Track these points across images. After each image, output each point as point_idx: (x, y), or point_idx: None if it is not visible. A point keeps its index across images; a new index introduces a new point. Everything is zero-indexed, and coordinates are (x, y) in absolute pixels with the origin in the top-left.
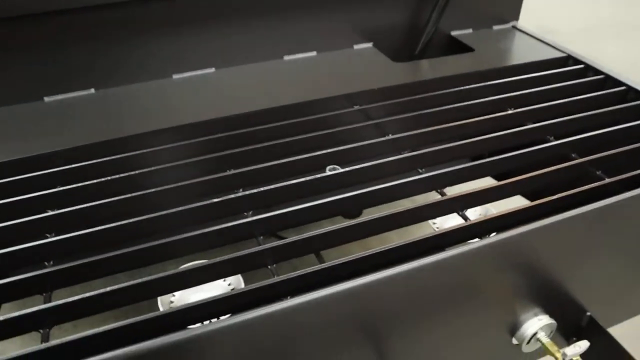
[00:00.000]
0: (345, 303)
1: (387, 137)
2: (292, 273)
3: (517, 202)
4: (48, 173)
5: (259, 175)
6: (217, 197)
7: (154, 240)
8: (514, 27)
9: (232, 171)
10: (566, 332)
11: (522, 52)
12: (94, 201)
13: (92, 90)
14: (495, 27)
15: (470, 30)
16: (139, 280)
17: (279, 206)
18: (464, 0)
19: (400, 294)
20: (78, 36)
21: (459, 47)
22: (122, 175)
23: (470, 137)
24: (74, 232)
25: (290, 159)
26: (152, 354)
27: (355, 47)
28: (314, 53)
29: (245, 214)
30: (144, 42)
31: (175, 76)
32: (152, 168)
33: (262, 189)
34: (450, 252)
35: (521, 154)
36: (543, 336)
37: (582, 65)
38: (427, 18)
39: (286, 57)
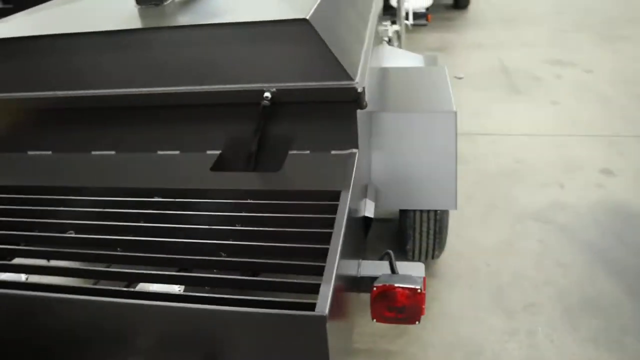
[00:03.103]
0: None
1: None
2: None
3: None
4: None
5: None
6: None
7: None
8: (351, 154)
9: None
10: None
11: (312, 178)
12: None
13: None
14: (333, 152)
15: (307, 152)
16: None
17: None
18: (305, 126)
19: None
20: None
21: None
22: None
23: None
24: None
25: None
26: None
27: (208, 152)
28: (177, 152)
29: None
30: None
31: (159, 152)
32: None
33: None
34: None
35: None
36: None
37: (335, 202)
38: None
39: (159, 152)
